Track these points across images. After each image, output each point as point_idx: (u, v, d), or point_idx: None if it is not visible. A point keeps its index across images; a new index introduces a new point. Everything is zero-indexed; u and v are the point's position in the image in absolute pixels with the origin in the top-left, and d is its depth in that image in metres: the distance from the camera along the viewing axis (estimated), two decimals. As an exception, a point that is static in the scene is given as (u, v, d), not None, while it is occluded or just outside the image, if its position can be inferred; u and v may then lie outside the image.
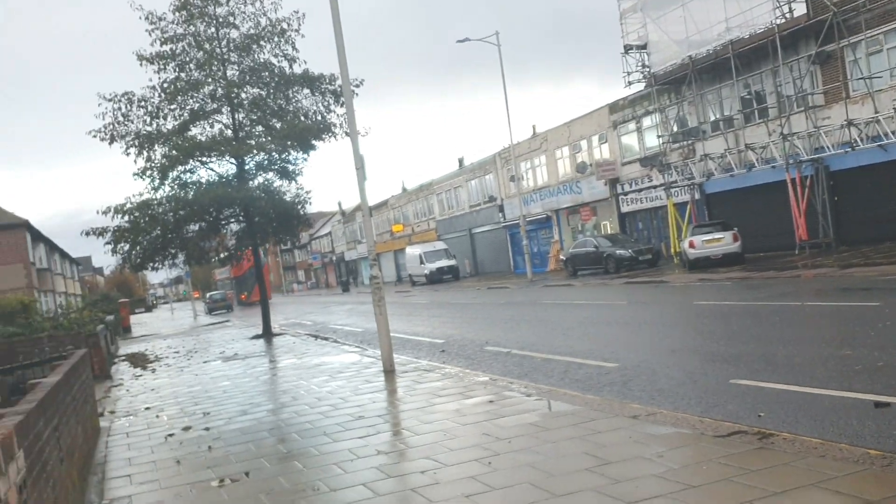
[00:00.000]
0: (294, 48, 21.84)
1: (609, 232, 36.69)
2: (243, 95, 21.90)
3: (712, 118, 29.71)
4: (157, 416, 9.91)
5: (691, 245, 25.74)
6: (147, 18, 21.12)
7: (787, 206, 25.56)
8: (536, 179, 44.23)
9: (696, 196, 30.65)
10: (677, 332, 12.82)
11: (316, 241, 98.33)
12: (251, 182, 22.33)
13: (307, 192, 23.49)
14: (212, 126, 22.37)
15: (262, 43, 21.73)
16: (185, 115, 21.68)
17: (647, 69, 31.28)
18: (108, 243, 21.07)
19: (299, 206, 23.29)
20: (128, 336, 34.86)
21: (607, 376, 9.06)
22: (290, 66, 21.85)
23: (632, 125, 35.27)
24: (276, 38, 21.68)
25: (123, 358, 20.96)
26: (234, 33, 21.84)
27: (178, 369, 15.86)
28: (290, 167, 22.85)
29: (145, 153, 21.18)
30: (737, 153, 27.91)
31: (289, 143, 21.20)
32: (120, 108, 21.01)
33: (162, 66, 21.34)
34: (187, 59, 21.54)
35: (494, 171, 49.22)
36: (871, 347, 8.47)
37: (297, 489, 5.68)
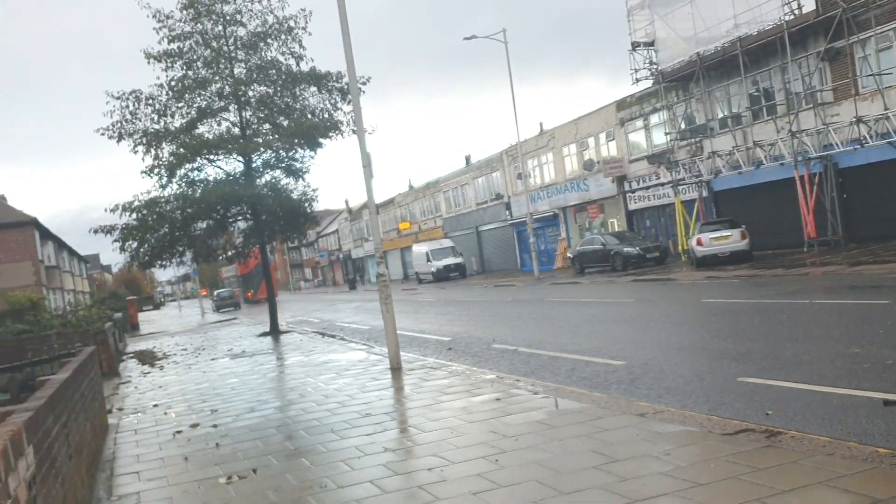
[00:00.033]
0: (301, 46, 21.86)
1: (616, 229, 36.63)
2: (250, 93, 21.92)
3: (720, 115, 29.61)
4: (166, 414, 9.94)
5: (699, 243, 25.67)
6: (155, 17, 21.16)
7: (796, 203, 25.46)
8: (543, 177, 44.17)
9: (704, 193, 30.56)
10: (685, 329, 12.79)
11: (323, 238, 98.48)
12: (258, 180, 22.39)
13: (314, 190, 23.57)
14: (219, 124, 22.44)
15: (269, 41, 21.74)
16: (193, 112, 21.73)
17: (655, 66, 31.20)
18: (116, 241, 21.15)
19: (306, 204, 23.33)
20: (136, 333, 34.99)
21: (614, 374, 9.04)
22: (297, 64, 21.88)
23: (639, 122, 35.19)
24: (283, 36, 21.69)
25: (131, 355, 21.04)
26: (242, 31, 21.87)
27: (186, 366, 15.91)
28: (297, 165, 22.89)
29: (153, 151, 21.23)
30: (745, 150, 27.81)
31: (296, 140, 21.23)
32: (128, 106, 21.05)
33: (169, 64, 21.37)
34: (195, 56, 21.57)
35: (501, 169, 49.18)
36: (881, 345, 8.43)
37: (304, 486, 5.69)
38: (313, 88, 22.00)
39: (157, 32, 21.26)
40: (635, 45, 31.61)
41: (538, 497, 4.75)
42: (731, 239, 25.12)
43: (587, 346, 11.49)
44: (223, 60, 21.49)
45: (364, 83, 20.82)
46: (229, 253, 25.69)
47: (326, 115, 22.00)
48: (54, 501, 4.28)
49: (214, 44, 21.56)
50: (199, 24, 21.40)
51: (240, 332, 25.68)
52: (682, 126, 31.34)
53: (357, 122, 12.33)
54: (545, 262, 42.19)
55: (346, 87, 21.19)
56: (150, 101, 21.27)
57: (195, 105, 21.75)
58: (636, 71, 31.72)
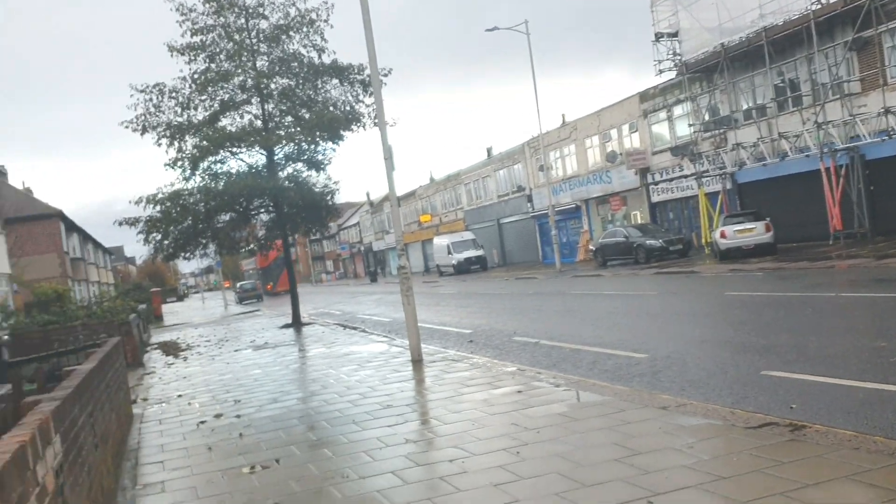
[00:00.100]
0: (323, 38, 21.87)
1: (639, 222, 36.40)
2: (273, 86, 21.99)
3: (745, 106, 29.29)
4: (189, 404, 10.04)
5: (723, 235, 25.45)
6: (178, 10, 21.27)
7: (821, 195, 25.15)
8: (566, 169, 43.96)
9: (728, 186, 30.27)
10: (708, 322, 12.70)
11: (344, 231, 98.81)
12: (280, 172, 22.48)
13: (335, 183, 23.63)
14: (242, 117, 22.53)
15: (291, 33, 21.77)
16: (216, 105, 21.84)
17: (679, 57, 30.90)
18: (140, 233, 21.37)
19: (328, 197, 23.41)
20: (160, 325, 35.36)
21: (637, 367, 9.00)
22: (319, 57, 21.90)
23: (663, 114, 34.91)
24: (305, 29, 21.71)
25: (156, 346, 21.26)
26: (264, 24, 21.92)
27: (210, 358, 16.05)
28: (319, 157, 22.97)
29: (176, 144, 21.40)
30: (770, 142, 27.49)
31: (317, 133, 21.28)
32: (151, 99, 21.21)
33: (193, 57, 21.48)
34: (217, 49, 21.66)
35: (523, 161, 49.02)
36: (908, 339, 8.32)
37: (326, 476, 5.72)
38: (335, 81, 22.03)
39: (181, 26, 21.38)
40: (659, 36, 31.32)
41: (560, 489, 4.74)
42: (755, 231, 24.88)
43: (609, 339, 11.44)
44: (245, 53, 21.57)
45: (385, 75, 20.82)
46: (252, 245, 25.84)
47: (348, 108, 22.03)
48: (81, 489, 4.34)
49: (237, 36, 21.64)
50: (221, 17, 21.48)
51: (262, 323, 25.86)
52: (706, 117, 31.04)
53: (379, 115, 12.34)
54: (567, 255, 42.02)
55: (367, 79, 21.20)
56: (174, 94, 21.41)
57: (218, 98, 21.87)
58: (659, 62, 31.44)
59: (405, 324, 11.76)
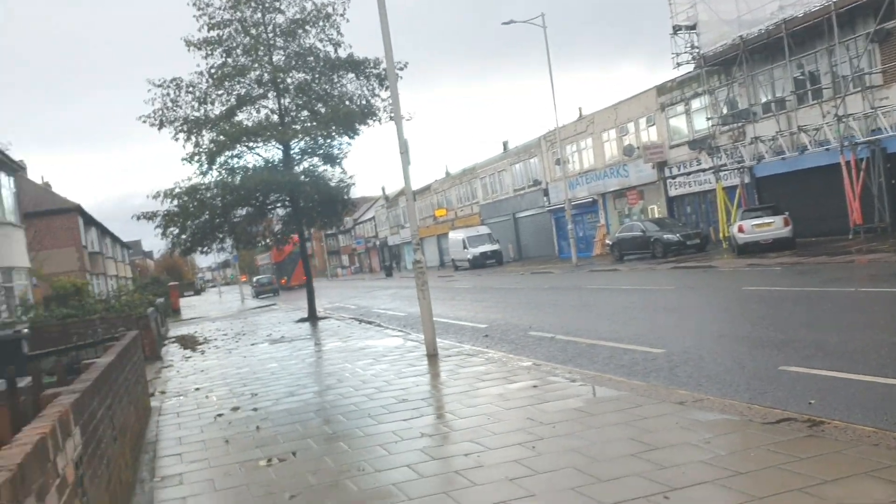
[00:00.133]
0: (339, 32, 21.92)
1: (656, 216, 36.22)
2: (289, 80, 22.06)
3: (763, 100, 29.03)
4: (207, 397, 10.11)
5: (740, 230, 25.27)
6: (195, 4, 21.37)
7: (841, 189, 24.90)
8: (582, 162, 43.79)
9: (746, 180, 30.04)
10: (725, 317, 12.62)
11: (360, 225, 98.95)
12: (296, 167, 22.55)
13: (351, 177, 23.68)
14: (258, 111, 22.64)
15: (307, 28, 21.83)
16: (232, 100, 21.95)
17: (697, 50, 30.66)
18: (157, 227, 21.55)
19: (343, 191, 23.46)
20: (177, 318, 35.60)
21: (653, 362, 8.96)
22: (335, 51, 21.96)
23: (680, 107, 34.68)
24: (321, 23, 21.76)
25: (173, 340, 21.41)
26: (280, 18, 22.00)
27: (227, 351, 16.14)
28: (335, 152, 23.03)
29: (193, 138, 21.53)
30: (789, 135, 27.24)
31: (333, 127, 21.33)
32: (168, 94, 21.36)
33: (209, 52, 21.60)
34: (234, 44, 21.77)
35: (539, 155, 48.87)
36: (928, 335, 8.22)
37: (342, 469, 5.74)
38: (351, 75, 22.07)
39: (197, 20, 21.50)
40: (676, 29, 31.09)
41: (576, 484, 4.73)
42: (773, 226, 24.68)
43: (626, 334, 11.39)
44: (262, 47, 21.64)
45: (401, 69, 20.81)
46: (268, 240, 25.96)
47: (364, 102, 22.07)
48: (100, 481, 4.37)
49: (253, 31, 21.71)
50: (238, 12, 21.58)
51: (278, 317, 25.97)
52: (724, 111, 30.80)
53: (394, 109, 12.33)
54: (583, 249, 41.90)
55: (383, 73, 21.23)
56: (191, 89, 21.54)
57: (234, 92, 21.97)
58: (677, 55, 31.18)
59: (420, 318, 11.78)
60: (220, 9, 21.49)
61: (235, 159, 22.34)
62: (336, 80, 22.17)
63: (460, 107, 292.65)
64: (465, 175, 62.54)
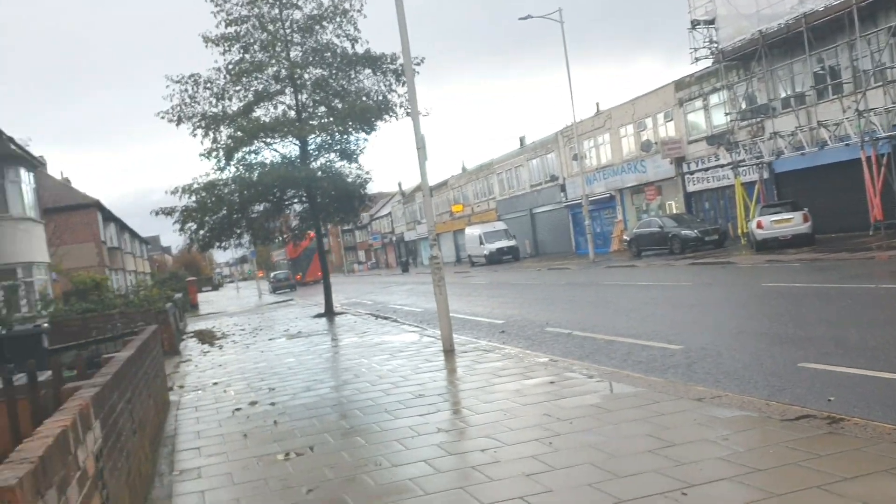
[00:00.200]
0: (356, 28, 21.92)
1: (674, 212, 36.03)
2: (306, 76, 22.10)
3: (783, 95, 28.79)
4: (225, 391, 10.17)
5: (759, 225, 25.09)
6: (212, 0, 21.45)
7: (862, 185, 24.64)
8: (600, 158, 43.61)
9: (765, 175, 29.80)
10: (744, 314, 12.53)
11: (376, 221, 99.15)
12: (314, 163, 22.60)
13: (367, 173, 23.69)
14: (275, 107, 22.69)
15: (324, 23, 21.85)
16: (250, 96, 22.02)
17: (715, 45, 30.44)
18: (176, 223, 21.66)
19: (360, 187, 23.49)
20: (195, 313, 35.85)
21: (671, 358, 8.92)
22: (353, 46, 21.96)
23: (698, 102, 34.44)
24: (338, 19, 21.76)
25: (191, 334, 21.56)
26: (297, 14, 22.02)
27: (245, 346, 16.24)
28: (352, 147, 23.05)
29: (211, 134, 21.62)
30: (808, 131, 26.99)
31: (350, 123, 21.35)
32: (187, 90, 21.45)
33: (227, 48, 21.67)
34: (251, 40, 21.82)
35: (556, 150, 48.72)
36: (951, 332, 8.13)
37: (359, 464, 5.76)
38: (368, 70, 22.06)
39: (215, 16, 21.58)
40: (695, 24, 30.88)
41: (593, 480, 4.72)
42: (792, 222, 24.49)
43: (643, 330, 11.34)
44: (279, 43, 21.70)
45: (418, 63, 20.74)
46: (285, 235, 26.04)
47: (381, 98, 22.08)
48: (119, 474, 4.42)
49: (271, 27, 21.76)
50: (255, 8, 21.62)
51: (295, 313, 26.08)
52: (743, 106, 30.56)
53: (411, 104, 12.33)
54: (601, 245, 41.74)
55: (400, 68, 21.23)
56: (209, 85, 21.62)
57: (252, 88, 22.03)
58: (695, 50, 30.99)
59: (437, 314, 11.78)
60: (237, 5, 21.56)
61: (253, 155, 22.42)
62: (353, 75, 22.18)
63: (476, 102, 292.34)
64: (481, 171, 62.46)
